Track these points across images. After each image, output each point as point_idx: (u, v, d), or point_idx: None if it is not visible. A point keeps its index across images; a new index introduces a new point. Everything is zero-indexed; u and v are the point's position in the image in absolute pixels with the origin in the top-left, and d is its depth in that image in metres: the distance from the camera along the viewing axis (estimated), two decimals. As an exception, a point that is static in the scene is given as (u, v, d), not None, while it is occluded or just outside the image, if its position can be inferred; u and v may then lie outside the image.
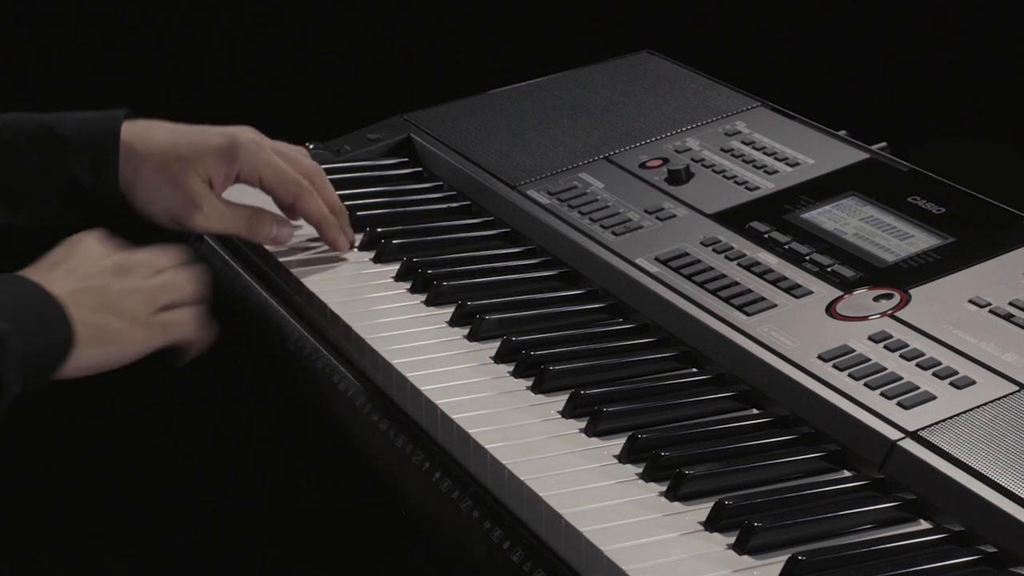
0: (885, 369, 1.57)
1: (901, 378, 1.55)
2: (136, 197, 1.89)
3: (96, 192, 1.87)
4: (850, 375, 1.57)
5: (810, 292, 1.72)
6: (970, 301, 1.65)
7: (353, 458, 1.84)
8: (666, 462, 1.49)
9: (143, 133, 1.89)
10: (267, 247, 1.98)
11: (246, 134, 1.92)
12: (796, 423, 1.57)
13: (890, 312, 1.66)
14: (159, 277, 1.70)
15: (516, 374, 1.68)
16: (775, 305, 1.71)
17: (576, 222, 1.94)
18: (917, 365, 1.56)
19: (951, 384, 1.53)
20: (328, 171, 2.17)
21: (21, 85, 2.98)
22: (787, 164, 1.98)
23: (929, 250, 1.75)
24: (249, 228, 1.92)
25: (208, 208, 1.88)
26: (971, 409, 1.50)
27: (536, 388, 1.65)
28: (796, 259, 1.78)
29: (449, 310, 1.80)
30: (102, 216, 1.87)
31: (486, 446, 1.55)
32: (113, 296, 1.66)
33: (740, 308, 1.71)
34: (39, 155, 1.86)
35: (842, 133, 2.05)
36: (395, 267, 1.92)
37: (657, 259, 1.83)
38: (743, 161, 2.01)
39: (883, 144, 2.02)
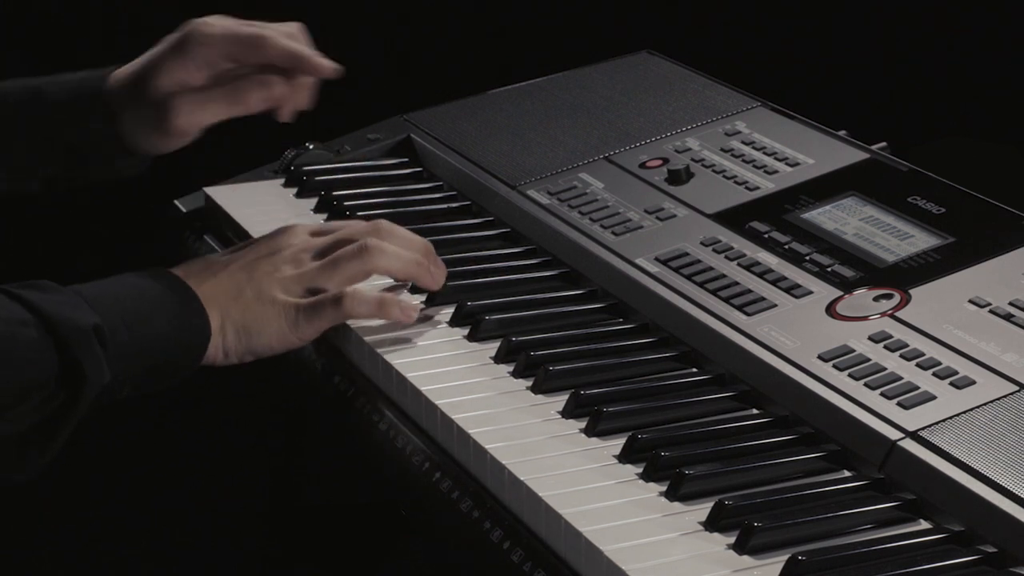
0: (885, 369, 1.57)
1: (901, 378, 1.55)
2: (128, 134, 1.82)
3: (84, 148, 1.83)
4: (850, 375, 1.57)
5: (810, 292, 1.72)
6: (970, 301, 1.65)
7: (353, 458, 1.84)
8: (666, 462, 1.49)
9: (120, 74, 1.83)
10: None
11: (196, 21, 1.83)
12: (796, 423, 1.57)
13: (890, 312, 1.66)
14: (324, 260, 1.71)
15: (516, 374, 1.68)
16: (775, 305, 1.71)
17: (576, 222, 1.94)
18: (917, 365, 1.56)
19: (951, 384, 1.53)
20: (328, 171, 2.18)
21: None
22: (787, 164, 1.98)
23: (929, 250, 1.75)
24: (230, 101, 1.81)
25: (182, 104, 1.78)
26: (971, 409, 1.50)
27: (536, 388, 1.65)
28: (796, 259, 1.78)
29: (449, 310, 1.80)
30: (95, 175, 1.85)
31: (486, 446, 1.55)
32: (257, 279, 1.67)
33: (740, 308, 1.71)
34: (26, 116, 1.83)
35: (842, 133, 2.05)
36: (395, 267, 1.92)
37: (657, 259, 1.83)
38: (743, 161, 2.01)
39: (883, 144, 2.02)
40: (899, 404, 1.52)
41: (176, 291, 1.62)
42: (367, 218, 2.03)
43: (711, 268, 1.79)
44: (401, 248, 1.76)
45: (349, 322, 1.80)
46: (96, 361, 1.50)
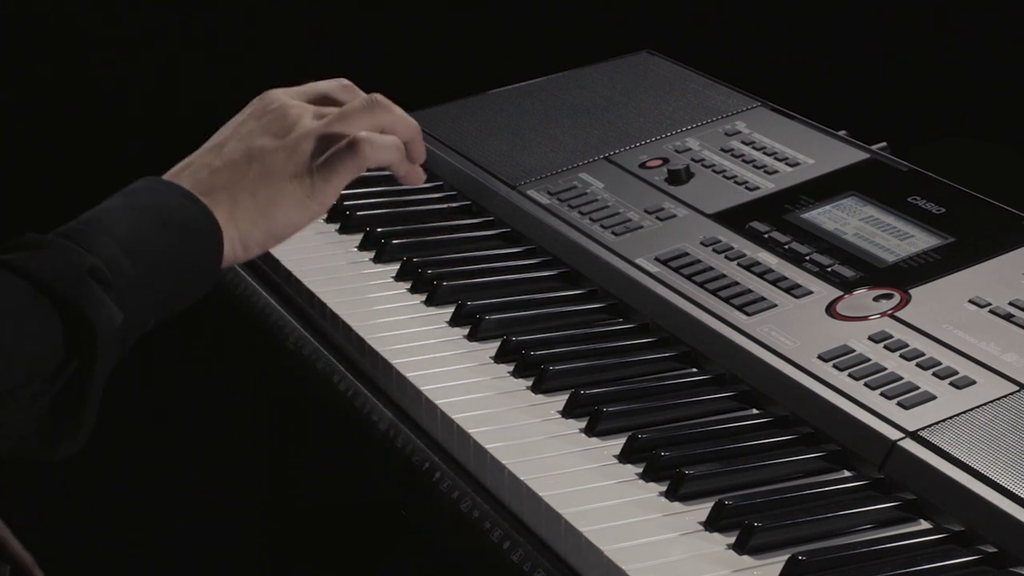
0: (885, 369, 1.57)
1: (901, 378, 1.55)
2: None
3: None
4: (850, 375, 1.57)
5: (810, 292, 1.72)
6: (970, 301, 1.65)
7: (353, 458, 1.84)
8: (666, 462, 1.49)
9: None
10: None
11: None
12: (796, 423, 1.57)
13: (890, 312, 1.66)
14: (324, 118, 1.50)
15: (516, 374, 1.68)
16: (775, 305, 1.71)
17: (576, 222, 1.94)
18: (917, 365, 1.56)
19: (951, 384, 1.53)
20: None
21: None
22: (787, 164, 1.98)
23: (929, 250, 1.75)
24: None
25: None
26: (971, 409, 1.50)
27: (536, 388, 1.65)
28: (796, 259, 1.78)
29: (449, 310, 1.80)
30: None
31: (486, 446, 1.55)
32: (257, 149, 1.47)
33: (740, 308, 1.71)
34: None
35: (842, 133, 2.05)
36: (395, 267, 1.92)
37: (657, 259, 1.83)
38: (743, 161, 2.01)
39: (883, 144, 2.02)
40: (899, 404, 1.52)
41: (171, 196, 1.43)
42: (368, 218, 2.03)
43: (711, 268, 1.79)
44: (396, 130, 1.53)
45: (348, 321, 1.80)
46: (101, 307, 1.33)
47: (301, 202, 1.46)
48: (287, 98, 1.55)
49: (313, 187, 1.47)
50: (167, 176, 1.46)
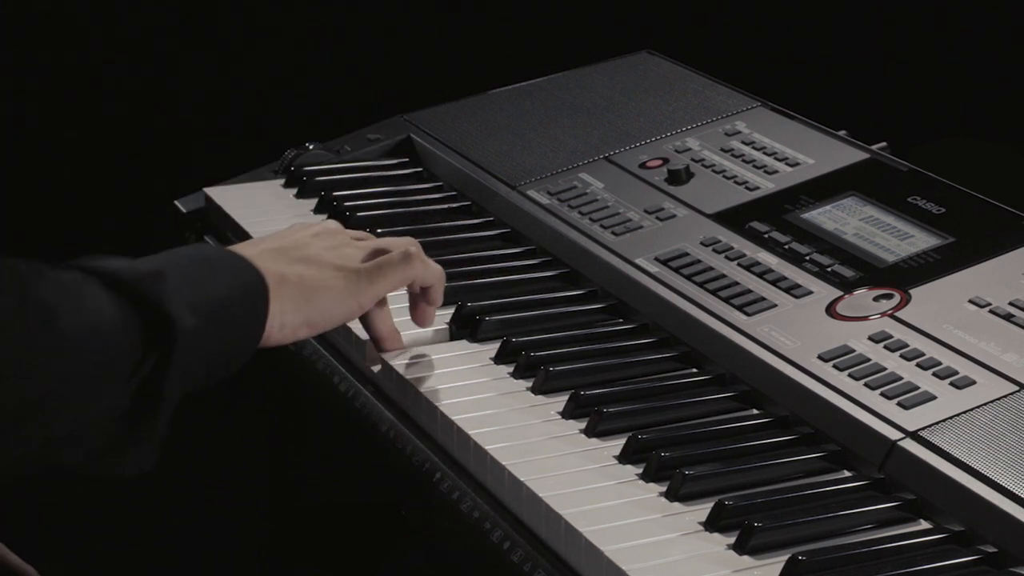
0: (885, 369, 1.57)
1: (901, 378, 1.55)
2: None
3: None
4: (850, 375, 1.57)
5: (810, 292, 1.72)
6: (970, 301, 1.65)
7: (353, 458, 1.84)
8: (666, 462, 1.49)
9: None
10: None
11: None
12: (796, 423, 1.57)
13: (890, 312, 1.66)
14: (367, 242, 1.63)
15: (516, 375, 1.68)
16: (775, 305, 1.71)
17: (576, 222, 1.94)
18: (917, 365, 1.56)
19: (951, 384, 1.53)
20: (328, 171, 2.18)
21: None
22: (787, 164, 1.98)
23: (929, 250, 1.75)
24: None
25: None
26: (971, 409, 1.50)
27: (536, 389, 1.65)
28: (796, 259, 1.78)
29: (449, 310, 1.80)
30: None
31: (486, 447, 1.55)
32: (309, 251, 1.56)
33: (740, 308, 1.71)
34: None
35: (842, 133, 2.05)
36: (395, 267, 1.92)
37: (657, 259, 1.83)
38: (743, 161, 2.01)
39: (883, 144, 2.02)
40: (899, 404, 1.52)
41: (226, 258, 1.50)
42: (368, 218, 2.03)
43: (711, 268, 1.79)
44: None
45: (349, 323, 1.80)
46: (178, 304, 1.37)
47: (342, 296, 1.58)
48: (335, 226, 1.67)
49: (357, 286, 1.59)
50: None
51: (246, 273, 1.49)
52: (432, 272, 1.68)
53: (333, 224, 1.66)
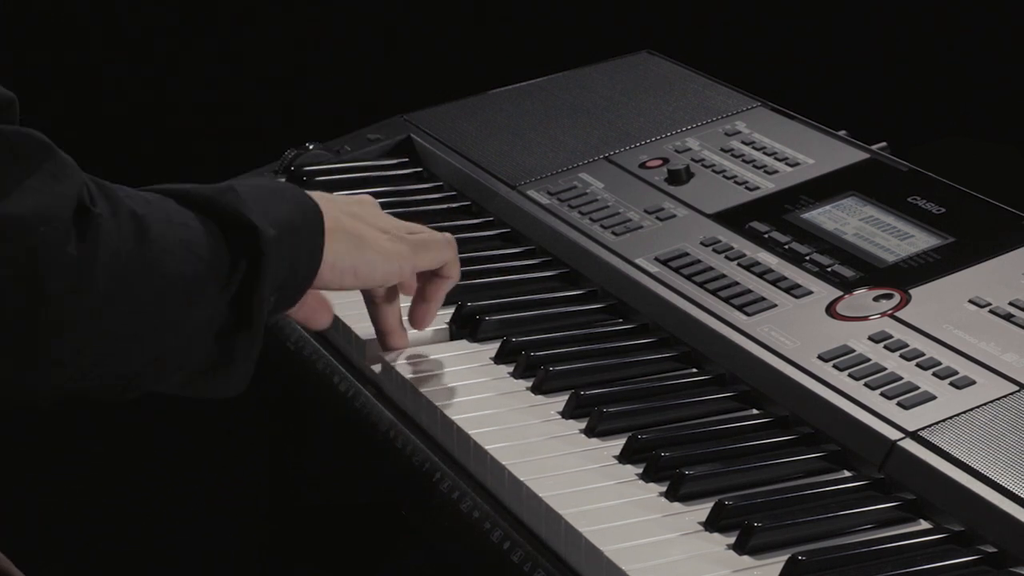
0: (885, 369, 1.57)
1: (901, 378, 1.55)
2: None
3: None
4: (850, 375, 1.57)
5: (810, 292, 1.72)
6: (970, 301, 1.65)
7: (353, 458, 1.84)
8: (666, 462, 1.49)
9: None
10: None
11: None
12: (796, 423, 1.57)
13: (890, 312, 1.66)
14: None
15: (516, 375, 1.68)
16: (775, 305, 1.71)
17: (576, 222, 1.94)
18: (917, 365, 1.56)
19: (951, 384, 1.53)
20: (328, 171, 2.18)
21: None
22: (787, 164, 1.98)
23: (929, 250, 1.75)
24: None
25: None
26: (971, 409, 1.50)
27: (536, 389, 1.65)
28: (796, 259, 1.78)
29: (449, 310, 1.80)
30: None
31: (486, 447, 1.55)
32: (365, 213, 1.61)
33: (740, 308, 1.71)
34: None
35: (842, 133, 2.05)
36: (395, 267, 1.92)
37: (657, 259, 1.83)
38: (743, 161, 2.01)
39: (883, 144, 2.02)
40: (899, 404, 1.52)
41: (289, 188, 1.54)
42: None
43: (711, 268, 1.79)
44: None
45: (348, 322, 1.80)
46: (254, 211, 1.40)
47: (388, 256, 1.61)
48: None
49: (403, 251, 1.63)
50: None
51: (307, 205, 1.52)
52: (458, 267, 1.73)
53: (371, 198, 1.69)
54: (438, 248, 1.68)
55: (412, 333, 1.76)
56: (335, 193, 1.70)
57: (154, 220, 1.33)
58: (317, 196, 1.56)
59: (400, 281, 1.67)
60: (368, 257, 1.59)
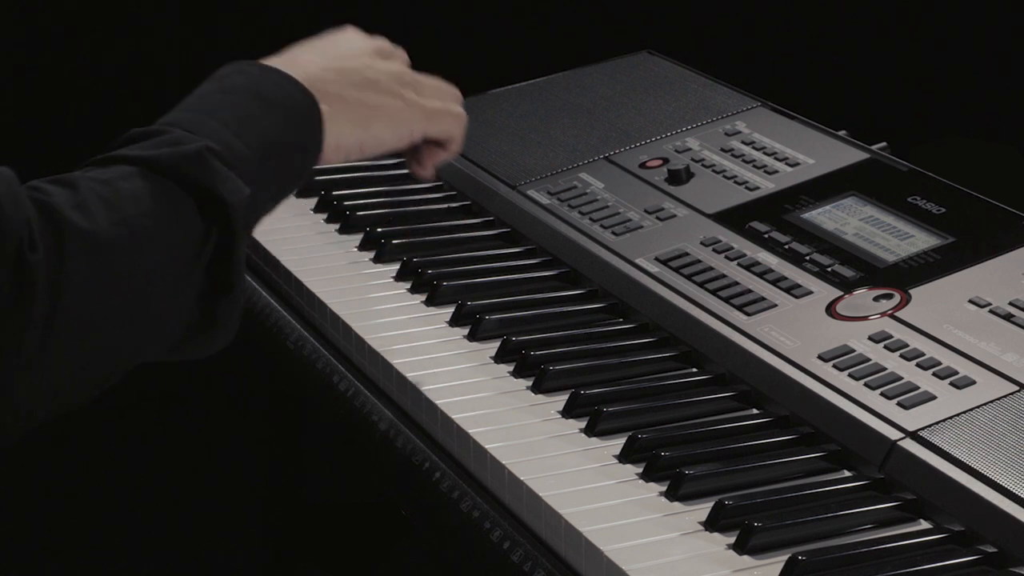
0: (885, 369, 1.57)
1: (901, 378, 1.55)
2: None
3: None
4: (850, 375, 1.57)
5: (810, 292, 1.72)
6: (970, 301, 1.65)
7: (353, 458, 1.84)
8: (666, 462, 1.49)
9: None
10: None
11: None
12: (796, 423, 1.57)
13: (890, 312, 1.66)
14: (423, 76, 1.59)
15: (516, 374, 1.68)
16: (775, 305, 1.71)
17: (576, 222, 1.94)
18: (917, 365, 1.56)
19: (951, 384, 1.53)
20: (328, 171, 2.18)
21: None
22: (787, 164, 1.98)
23: (929, 250, 1.75)
24: None
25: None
26: (971, 409, 1.50)
27: (536, 388, 1.65)
28: (796, 259, 1.78)
29: (449, 310, 1.80)
30: None
31: (486, 446, 1.55)
32: (371, 74, 1.54)
33: (740, 308, 1.71)
34: None
35: (842, 133, 2.05)
36: (395, 267, 1.92)
37: (657, 259, 1.83)
38: (743, 161, 2.01)
39: (883, 144, 2.02)
40: (899, 404, 1.52)
41: (280, 87, 1.47)
42: (368, 217, 2.03)
43: (711, 268, 1.79)
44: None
45: (348, 321, 1.80)
46: (227, 180, 1.35)
47: (397, 125, 1.54)
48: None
49: (414, 118, 1.55)
50: (285, 55, 1.51)
51: (302, 104, 1.46)
52: (461, 144, 1.65)
53: (388, 44, 1.63)
54: (450, 122, 1.60)
55: (414, 333, 1.76)
56: (345, 29, 1.63)
57: (115, 224, 1.29)
58: (321, 68, 1.50)
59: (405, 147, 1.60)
60: (375, 131, 1.53)
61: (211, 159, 1.34)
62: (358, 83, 1.53)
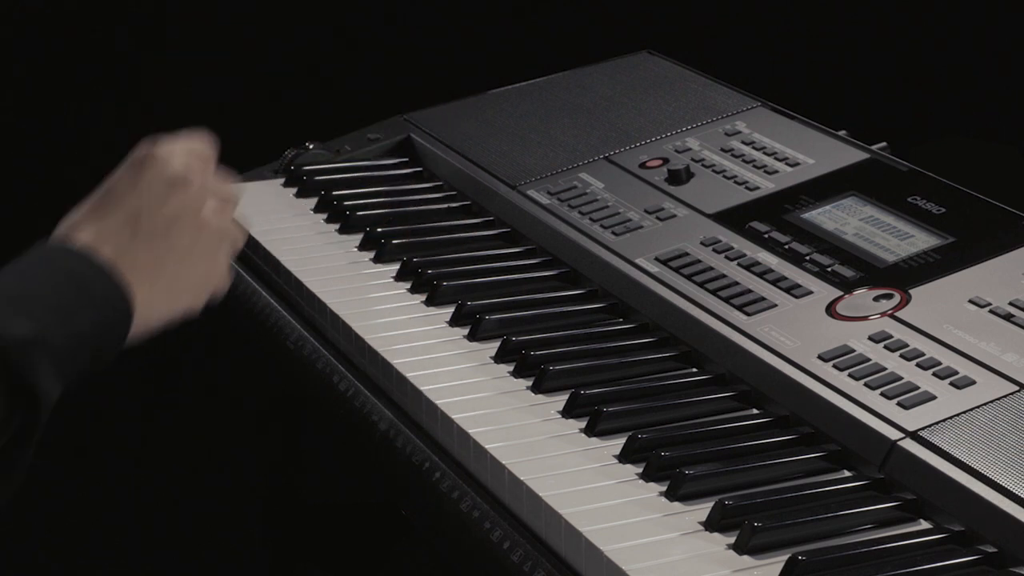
0: (885, 369, 1.57)
1: (901, 378, 1.55)
2: None
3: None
4: (850, 375, 1.57)
5: (810, 292, 1.72)
6: (970, 301, 1.65)
7: (353, 458, 1.84)
8: (666, 462, 1.49)
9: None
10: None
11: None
12: (796, 423, 1.57)
13: (890, 312, 1.66)
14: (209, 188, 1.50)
15: (516, 374, 1.68)
16: (775, 305, 1.71)
17: (576, 222, 1.94)
18: (917, 365, 1.56)
19: (951, 384, 1.53)
20: (328, 171, 2.18)
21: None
22: (787, 164, 1.98)
23: (929, 250, 1.75)
24: None
25: None
26: (971, 409, 1.50)
27: (536, 388, 1.65)
28: (796, 259, 1.78)
29: (449, 310, 1.80)
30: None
31: (486, 446, 1.55)
32: (170, 212, 1.45)
33: (740, 308, 1.71)
34: None
35: (842, 133, 2.05)
36: (395, 267, 1.92)
37: (657, 259, 1.83)
38: (743, 161, 2.01)
39: (883, 144, 2.02)
40: (899, 404, 1.52)
41: (87, 269, 1.41)
42: (368, 217, 2.03)
43: (711, 268, 1.79)
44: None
45: (348, 321, 1.80)
46: (47, 377, 1.33)
47: (202, 293, 1.48)
48: (185, 168, 1.52)
49: (222, 254, 1.49)
50: (72, 226, 1.43)
51: (114, 299, 1.41)
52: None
53: (172, 165, 1.51)
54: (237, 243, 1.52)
55: (413, 331, 1.76)
56: (143, 158, 1.50)
57: None
58: (113, 232, 1.42)
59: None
60: (183, 303, 1.48)
61: (39, 354, 1.32)
62: (156, 235, 1.45)
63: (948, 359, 1.56)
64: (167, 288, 1.46)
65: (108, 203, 1.45)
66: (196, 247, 1.48)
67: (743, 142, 2.06)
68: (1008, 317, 1.61)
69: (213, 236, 1.49)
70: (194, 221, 1.48)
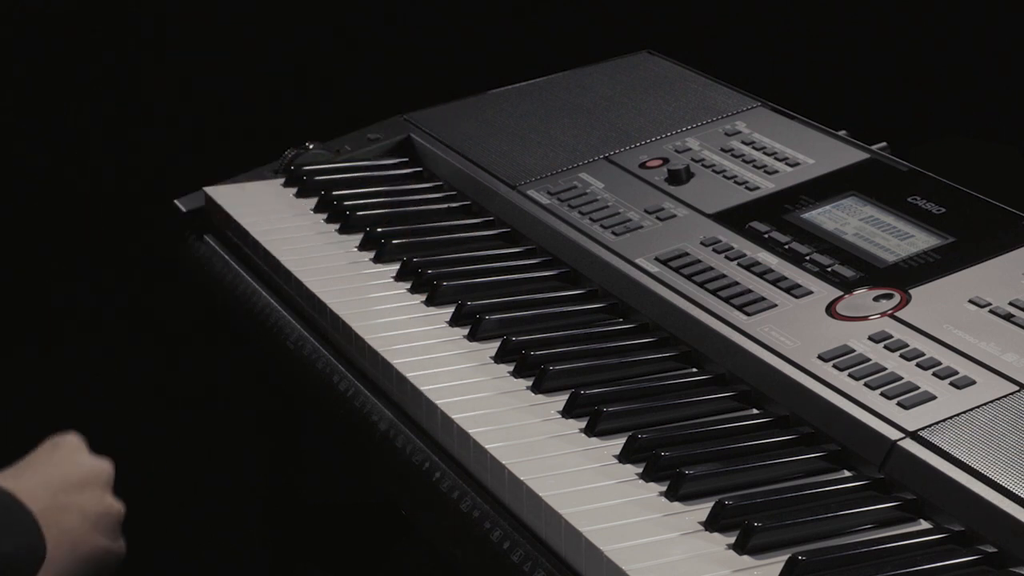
0: (885, 369, 1.57)
1: (901, 378, 1.55)
2: None
3: None
4: (850, 375, 1.57)
5: (810, 292, 1.72)
6: (970, 301, 1.65)
7: (353, 458, 1.84)
8: (666, 462, 1.49)
9: None
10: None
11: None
12: (796, 423, 1.57)
13: (890, 312, 1.66)
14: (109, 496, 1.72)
15: (516, 374, 1.68)
16: (775, 305, 1.71)
17: (576, 222, 1.94)
18: (917, 365, 1.56)
19: (951, 384, 1.53)
20: (328, 171, 2.18)
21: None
22: (787, 164, 1.98)
23: (929, 250, 1.75)
24: None
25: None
26: (971, 409, 1.50)
27: (536, 388, 1.65)
28: (796, 259, 1.78)
29: (449, 310, 1.80)
30: None
31: (486, 446, 1.55)
32: (88, 517, 1.67)
33: (740, 308, 1.71)
34: None
35: (842, 133, 2.05)
36: (395, 267, 1.92)
37: (657, 259, 1.83)
38: (743, 161, 2.01)
39: (883, 144, 2.02)
40: (899, 404, 1.52)
41: (19, 507, 1.56)
42: (368, 217, 2.03)
43: (711, 268, 1.79)
44: None
45: (348, 321, 1.80)
46: None
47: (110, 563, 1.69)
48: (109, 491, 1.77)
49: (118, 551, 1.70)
50: (13, 471, 1.61)
51: (32, 535, 1.54)
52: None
53: (104, 476, 1.76)
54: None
55: (413, 331, 1.76)
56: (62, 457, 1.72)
57: None
58: (44, 507, 1.58)
59: None
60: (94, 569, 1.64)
61: None
62: (76, 528, 1.64)
63: (948, 359, 1.56)
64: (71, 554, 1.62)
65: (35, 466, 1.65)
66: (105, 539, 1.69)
67: (743, 142, 2.06)
68: (1008, 317, 1.61)
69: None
70: (114, 551, 1.70)
